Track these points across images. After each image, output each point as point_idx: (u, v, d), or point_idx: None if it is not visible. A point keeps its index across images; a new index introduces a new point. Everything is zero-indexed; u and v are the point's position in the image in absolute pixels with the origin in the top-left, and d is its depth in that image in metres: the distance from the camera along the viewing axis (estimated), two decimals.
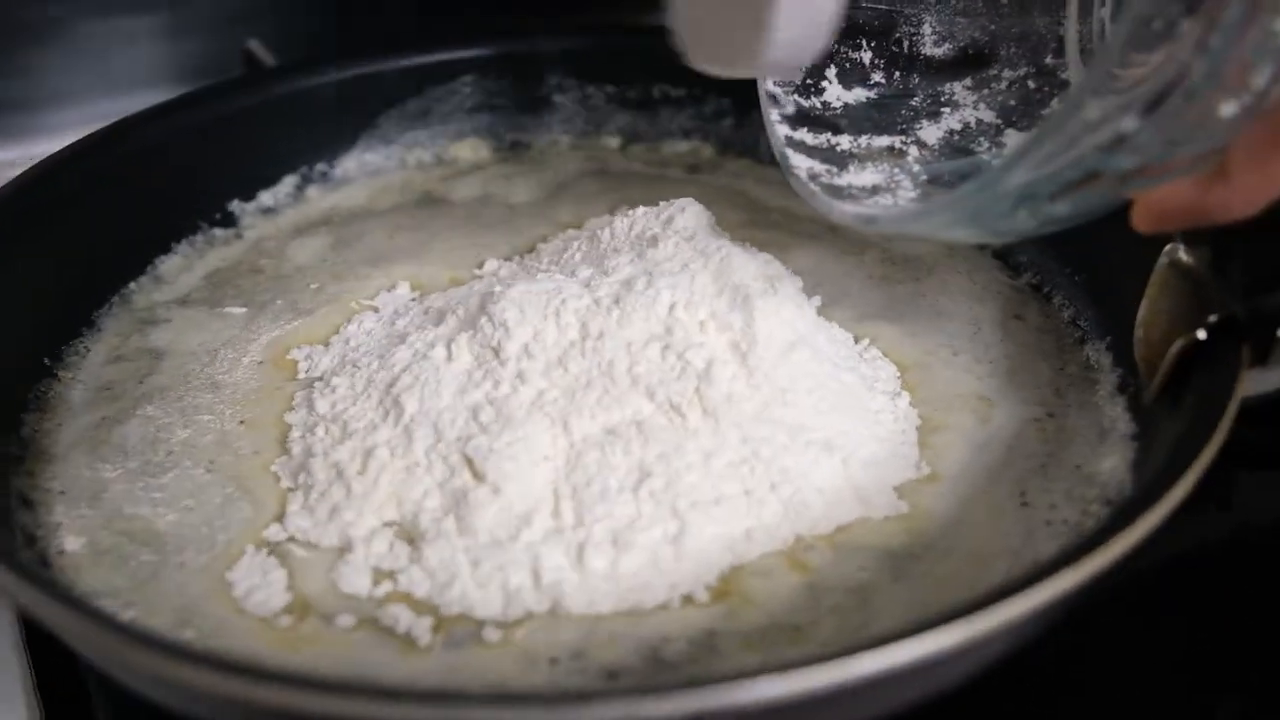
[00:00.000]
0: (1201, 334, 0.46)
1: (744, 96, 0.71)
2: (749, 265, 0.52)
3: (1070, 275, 0.59)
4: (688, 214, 0.56)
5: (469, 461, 0.48)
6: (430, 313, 0.57)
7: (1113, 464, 0.50)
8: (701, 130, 0.73)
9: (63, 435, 0.53)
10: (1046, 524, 0.48)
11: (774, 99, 0.55)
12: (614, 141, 0.74)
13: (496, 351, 0.51)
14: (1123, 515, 0.39)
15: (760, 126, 0.70)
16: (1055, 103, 0.53)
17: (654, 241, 0.55)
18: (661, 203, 0.57)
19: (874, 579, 0.46)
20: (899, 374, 0.55)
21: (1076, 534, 0.47)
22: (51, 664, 0.48)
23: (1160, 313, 0.49)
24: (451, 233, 0.66)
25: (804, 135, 0.54)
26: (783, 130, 0.54)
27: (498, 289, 0.53)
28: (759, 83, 0.56)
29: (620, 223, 0.57)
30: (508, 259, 0.63)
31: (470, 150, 0.73)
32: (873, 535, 0.47)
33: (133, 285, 0.61)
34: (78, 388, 0.55)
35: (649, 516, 0.46)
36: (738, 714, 0.34)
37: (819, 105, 0.55)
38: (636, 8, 0.94)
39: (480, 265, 0.63)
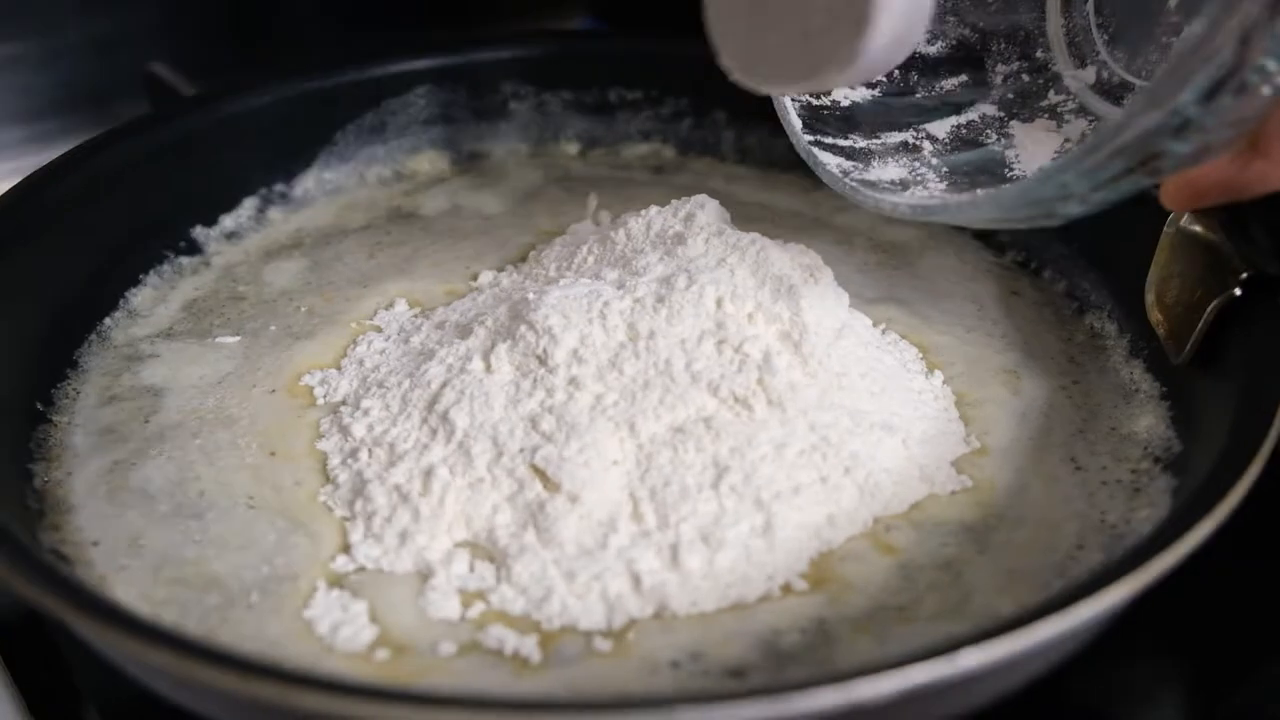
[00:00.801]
0: (1238, 291, 0.48)
1: (702, 96, 0.72)
2: (785, 256, 0.53)
3: (1057, 249, 0.61)
4: (707, 210, 0.56)
5: (538, 472, 0.47)
6: (448, 326, 0.55)
7: (1148, 423, 0.52)
8: (660, 132, 0.72)
9: (75, 484, 0.49)
10: (1103, 484, 0.49)
11: (789, 99, 0.55)
12: (573, 147, 0.73)
13: (542, 359, 0.49)
14: (1226, 467, 0.41)
15: (721, 125, 0.72)
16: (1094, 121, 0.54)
17: (680, 239, 0.54)
18: (674, 201, 0.57)
19: (960, 553, 0.46)
20: (920, 355, 0.56)
21: (1134, 492, 0.49)
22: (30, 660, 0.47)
23: (1172, 276, 0.52)
24: (433, 247, 0.64)
25: (822, 135, 0.55)
26: (804, 131, 0.55)
27: (530, 297, 0.51)
28: None
29: (635, 223, 0.56)
30: (500, 269, 0.62)
31: (429, 163, 0.71)
32: (946, 510, 0.48)
33: (108, 321, 0.57)
34: (77, 432, 0.51)
35: (734, 511, 0.46)
36: (936, 689, 0.34)
37: (828, 104, 0.56)
38: (554, 13, 0.94)
39: (474, 277, 0.61)
